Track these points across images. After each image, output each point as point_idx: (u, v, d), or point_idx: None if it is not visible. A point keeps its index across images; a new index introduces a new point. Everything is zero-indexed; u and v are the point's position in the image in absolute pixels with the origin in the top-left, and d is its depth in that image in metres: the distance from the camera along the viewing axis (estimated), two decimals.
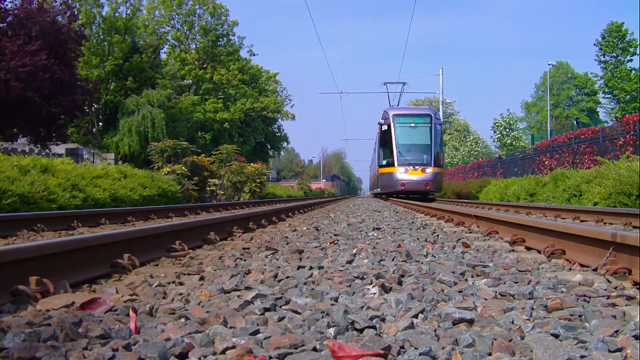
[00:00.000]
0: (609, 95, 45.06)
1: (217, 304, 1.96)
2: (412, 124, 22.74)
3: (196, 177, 20.85)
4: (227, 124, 42.13)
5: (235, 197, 23.47)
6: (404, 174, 22.05)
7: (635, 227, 6.42)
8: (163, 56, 41.27)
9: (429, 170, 22.03)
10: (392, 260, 3.16)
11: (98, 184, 11.92)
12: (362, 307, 1.88)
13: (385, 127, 23.34)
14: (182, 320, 1.73)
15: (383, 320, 1.74)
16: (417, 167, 21.97)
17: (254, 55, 48.17)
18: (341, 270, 2.69)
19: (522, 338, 1.52)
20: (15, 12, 20.83)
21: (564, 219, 8.49)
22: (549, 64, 45.58)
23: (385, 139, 23.40)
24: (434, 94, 47.61)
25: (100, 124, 33.46)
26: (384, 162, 23.61)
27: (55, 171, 10.56)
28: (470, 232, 5.56)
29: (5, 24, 20.61)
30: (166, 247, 3.63)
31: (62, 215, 7.09)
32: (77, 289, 2.35)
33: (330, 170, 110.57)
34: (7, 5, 20.85)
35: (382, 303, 1.94)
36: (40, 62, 19.62)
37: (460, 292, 2.18)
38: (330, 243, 4.21)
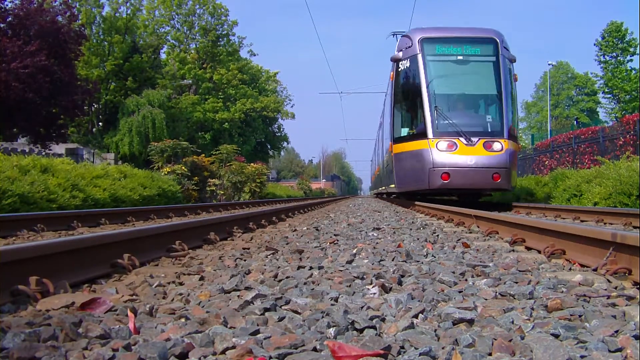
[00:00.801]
0: (609, 95, 45.08)
1: (217, 304, 1.96)
2: (460, 57, 12.00)
3: (196, 177, 20.86)
4: (227, 124, 42.16)
5: (235, 197, 23.46)
6: (447, 154, 11.31)
7: (635, 227, 6.42)
8: (163, 56, 41.38)
9: (499, 145, 11.30)
10: (392, 260, 3.15)
11: (98, 184, 11.92)
12: (362, 307, 1.87)
13: (405, 64, 12.43)
14: (182, 320, 1.73)
15: (383, 320, 1.74)
16: (475, 140, 11.26)
17: (254, 55, 48.28)
18: (341, 270, 2.69)
19: (522, 338, 1.52)
20: (15, 11, 20.85)
21: (564, 219, 8.49)
22: (549, 64, 45.68)
23: (406, 88, 12.68)
24: None
25: (100, 124, 33.51)
26: (404, 133, 12.75)
27: (55, 171, 10.57)
28: (470, 232, 5.56)
29: (5, 24, 20.63)
30: (166, 247, 3.63)
31: (62, 215, 7.09)
32: (77, 289, 2.35)
33: (330, 170, 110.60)
34: (7, 5, 20.89)
35: (382, 303, 1.94)
36: (41, 63, 19.64)
37: (460, 292, 2.17)
38: (330, 243, 4.21)
